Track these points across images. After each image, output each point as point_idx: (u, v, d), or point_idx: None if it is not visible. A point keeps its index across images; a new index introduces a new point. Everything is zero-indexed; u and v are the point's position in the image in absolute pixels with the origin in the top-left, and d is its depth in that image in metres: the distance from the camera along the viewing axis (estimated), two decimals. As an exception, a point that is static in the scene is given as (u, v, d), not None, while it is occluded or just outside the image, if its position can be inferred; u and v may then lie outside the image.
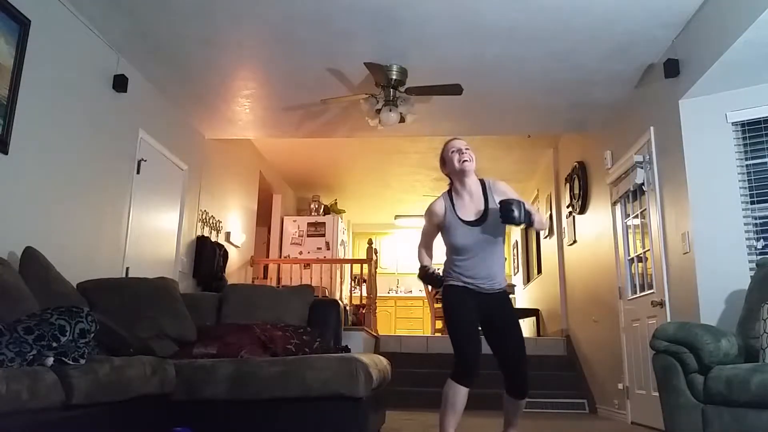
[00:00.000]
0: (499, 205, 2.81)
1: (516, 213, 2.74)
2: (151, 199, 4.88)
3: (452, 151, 2.95)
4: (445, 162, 3.02)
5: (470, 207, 2.93)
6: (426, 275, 3.08)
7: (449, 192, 3.03)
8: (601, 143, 5.55)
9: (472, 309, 2.86)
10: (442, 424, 2.79)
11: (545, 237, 7.98)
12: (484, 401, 4.40)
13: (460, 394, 2.76)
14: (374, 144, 7.39)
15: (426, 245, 3.17)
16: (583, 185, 6.14)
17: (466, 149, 2.95)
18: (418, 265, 3.16)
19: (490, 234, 2.89)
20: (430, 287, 3.02)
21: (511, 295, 9.68)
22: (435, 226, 3.02)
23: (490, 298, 2.90)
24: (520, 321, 9.85)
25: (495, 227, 2.89)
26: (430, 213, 3.02)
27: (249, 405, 2.97)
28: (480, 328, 2.91)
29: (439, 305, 8.56)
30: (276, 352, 3.36)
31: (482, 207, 2.92)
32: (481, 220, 2.89)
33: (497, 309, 2.91)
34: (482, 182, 3.00)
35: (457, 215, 2.92)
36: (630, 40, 4.04)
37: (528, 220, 2.78)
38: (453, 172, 2.98)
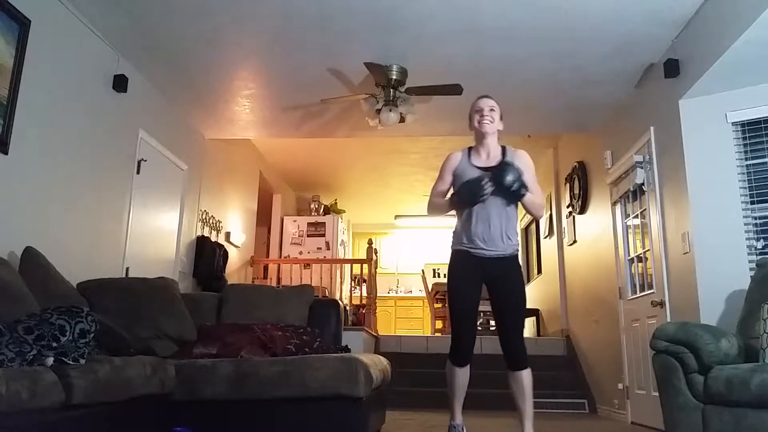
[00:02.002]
0: (498, 165, 2.89)
1: (510, 177, 2.78)
2: (151, 199, 4.88)
3: (476, 111, 3.04)
4: (470, 120, 3.11)
5: (485, 162, 3.01)
6: (458, 193, 2.98)
7: (470, 148, 3.11)
8: (601, 143, 5.55)
9: (471, 286, 2.96)
10: (448, 401, 3.01)
11: (545, 237, 7.98)
12: (484, 401, 4.40)
13: (456, 373, 2.96)
14: (374, 144, 7.38)
15: (438, 193, 3.11)
16: (583, 185, 6.14)
17: (491, 110, 3.01)
18: (433, 214, 3.20)
19: (497, 190, 2.90)
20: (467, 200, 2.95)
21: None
22: (450, 171, 3.07)
23: (496, 263, 2.95)
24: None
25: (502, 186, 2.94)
26: (448, 158, 3.11)
27: (249, 405, 2.96)
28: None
29: (439, 305, 8.58)
30: (276, 352, 3.36)
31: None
32: (492, 169, 2.93)
33: (501, 274, 2.97)
34: (503, 147, 3.08)
35: (471, 162, 3.03)
36: (630, 40, 4.04)
37: (519, 191, 2.84)
38: (475, 131, 3.06)
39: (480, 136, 3.04)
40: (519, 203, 2.98)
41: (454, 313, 2.99)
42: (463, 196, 2.93)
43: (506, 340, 2.95)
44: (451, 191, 3.08)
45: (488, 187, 2.82)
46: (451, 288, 3.02)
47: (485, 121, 2.99)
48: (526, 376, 2.91)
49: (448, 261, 3.11)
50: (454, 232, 3.08)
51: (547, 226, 7.86)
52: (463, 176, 2.99)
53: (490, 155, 3.02)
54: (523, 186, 2.85)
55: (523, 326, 3.06)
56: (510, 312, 2.97)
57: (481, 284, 2.97)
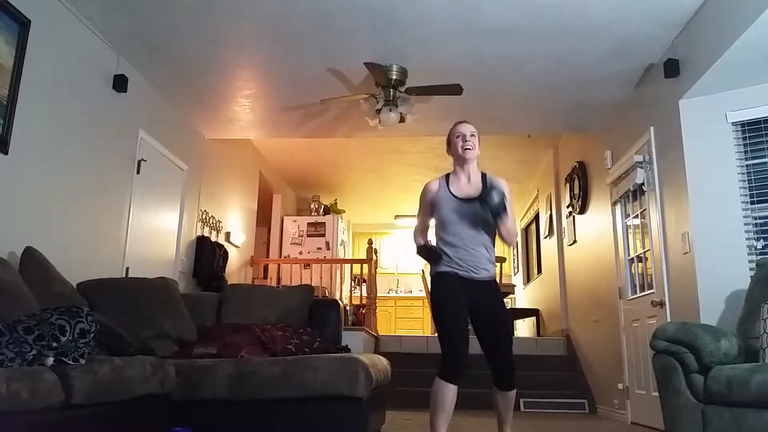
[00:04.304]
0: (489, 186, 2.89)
1: (496, 199, 2.80)
2: (151, 199, 4.88)
3: (457, 136, 3.00)
4: (450, 144, 3.07)
5: (464, 188, 2.97)
6: (424, 248, 3.07)
7: (447, 174, 3.07)
8: (601, 143, 5.55)
9: (460, 301, 2.85)
10: (432, 425, 2.76)
11: (545, 237, 7.98)
12: (481, 401, 4.40)
13: (449, 392, 2.75)
14: (374, 144, 7.39)
15: (422, 227, 3.15)
16: (583, 185, 6.14)
17: (471, 136, 2.98)
18: (415, 245, 3.14)
19: (478, 218, 2.90)
20: (426, 262, 3.04)
21: (511, 295, 9.75)
22: (429, 204, 3.03)
23: (479, 286, 2.90)
24: (520, 321, 9.82)
25: (484, 213, 2.91)
26: (424, 191, 3.07)
27: (249, 405, 2.97)
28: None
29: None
30: (276, 352, 3.36)
31: (476, 192, 2.94)
32: (471, 200, 2.92)
33: (485, 298, 2.91)
34: (483, 174, 3.03)
35: (450, 191, 2.97)
36: (630, 40, 4.04)
37: (498, 212, 2.81)
38: (455, 156, 3.02)
39: (461, 162, 2.99)
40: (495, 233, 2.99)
41: (449, 333, 2.81)
42: (422, 254, 3.05)
43: (501, 365, 2.90)
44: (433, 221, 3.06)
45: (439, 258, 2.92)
46: (444, 308, 2.87)
47: (468, 147, 2.96)
48: (514, 392, 2.96)
49: (431, 281, 2.97)
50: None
51: (547, 226, 7.86)
52: (441, 205, 2.95)
53: (470, 181, 2.99)
54: (503, 207, 2.83)
55: (512, 348, 2.98)
56: (503, 338, 2.92)
57: (467, 306, 2.88)
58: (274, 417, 2.96)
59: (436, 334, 8.31)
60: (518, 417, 5.29)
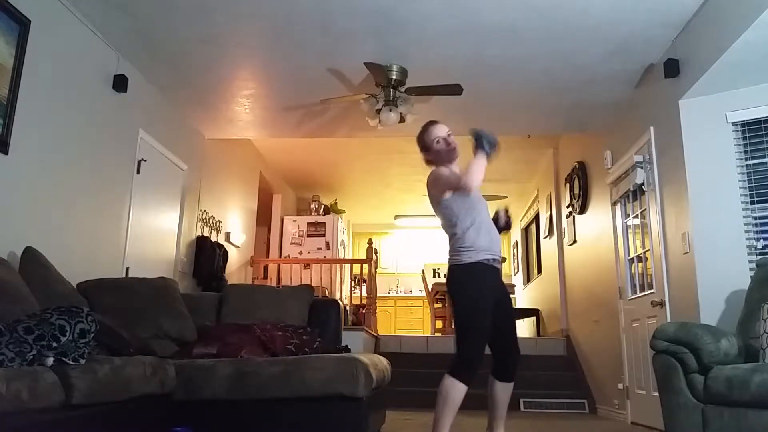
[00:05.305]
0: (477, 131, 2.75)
1: (486, 135, 2.70)
2: (151, 199, 4.88)
3: (437, 141, 2.95)
4: (428, 149, 2.99)
5: None
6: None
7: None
8: (601, 143, 5.55)
9: (492, 302, 2.79)
10: (438, 422, 2.73)
11: (545, 237, 7.98)
12: (482, 401, 4.40)
13: (462, 393, 2.72)
14: (374, 144, 7.38)
15: (458, 176, 2.86)
16: (583, 185, 6.14)
17: (449, 134, 2.96)
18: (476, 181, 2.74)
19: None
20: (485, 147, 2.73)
21: (511, 295, 9.73)
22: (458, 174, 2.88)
23: (498, 275, 2.90)
24: (520, 321, 9.85)
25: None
26: (444, 170, 2.88)
27: (249, 405, 2.96)
28: None
29: (439, 305, 8.55)
30: (276, 352, 3.36)
31: None
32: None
33: (502, 290, 2.91)
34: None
35: None
36: (630, 40, 4.04)
37: (487, 149, 2.69)
38: (441, 160, 2.95)
39: (449, 161, 2.93)
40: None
41: (480, 333, 2.71)
42: (487, 141, 2.74)
43: (511, 354, 2.90)
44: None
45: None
46: (483, 308, 2.74)
47: (453, 146, 2.92)
48: (512, 384, 2.95)
49: (464, 270, 2.77)
50: (466, 241, 2.77)
51: (547, 226, 7.86)
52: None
53: None
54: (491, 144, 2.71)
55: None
56: (513, 326, 2.93)
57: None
58: (274, 417, 2.96)
59: (437, 335, 8.25)
60: (518, 417, 5.29)
